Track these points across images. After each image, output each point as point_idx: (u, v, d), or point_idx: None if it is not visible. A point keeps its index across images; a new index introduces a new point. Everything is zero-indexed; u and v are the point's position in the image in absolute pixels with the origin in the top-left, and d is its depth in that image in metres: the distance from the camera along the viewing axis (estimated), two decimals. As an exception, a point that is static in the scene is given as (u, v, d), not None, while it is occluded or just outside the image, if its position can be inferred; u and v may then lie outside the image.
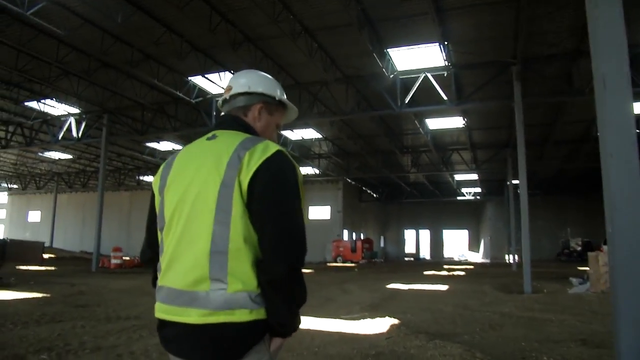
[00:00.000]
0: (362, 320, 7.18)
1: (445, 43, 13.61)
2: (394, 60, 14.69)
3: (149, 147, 26.78)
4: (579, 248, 34.35)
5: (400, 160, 28.99)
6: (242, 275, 1.46)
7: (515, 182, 26.96)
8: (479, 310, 8.58)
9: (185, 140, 23.38)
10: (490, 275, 19.53)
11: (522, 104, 14.21)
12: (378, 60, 14.05)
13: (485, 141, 24.60)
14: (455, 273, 21.27)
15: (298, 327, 1.56)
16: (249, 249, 1.48)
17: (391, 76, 15.31)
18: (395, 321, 6.98)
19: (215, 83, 16.66)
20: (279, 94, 1.85)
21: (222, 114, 1.85)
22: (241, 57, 13.86)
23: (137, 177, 36.47)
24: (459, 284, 14.69)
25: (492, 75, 14.94)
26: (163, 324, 1.56)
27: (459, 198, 41.20)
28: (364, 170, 30.59)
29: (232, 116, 1.79)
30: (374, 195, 42.44)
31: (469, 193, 40.48)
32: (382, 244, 45.89)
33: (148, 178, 35.83)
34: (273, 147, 1.56)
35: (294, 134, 23.18)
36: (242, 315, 1.44)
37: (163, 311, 1.55)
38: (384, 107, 16.93)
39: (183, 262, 1.51)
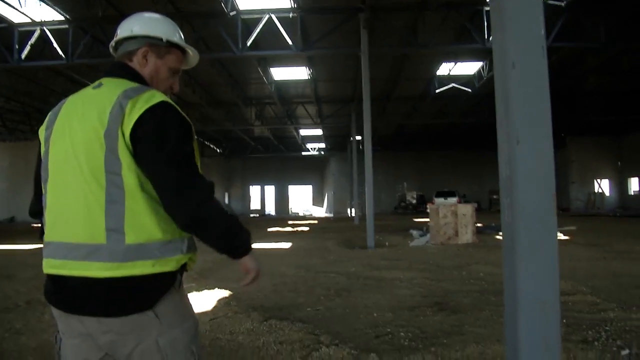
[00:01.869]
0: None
1: (292, -21, 12.35)
2: (235, -5, 13.05)
3: None
4: (414, 201, 36.65)
5: (244, 113, 27.53)
6: (140, 225, 1.43)
7: (358, 137, 27.50)
8: (324, 271, 7.74)
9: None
10: (334, 230, 19.36)
11: (369, 53, 13.72)
12: (217, -6, 12.28)
13: (331, 95, 24.17)
14: (300, 229, 20.81)
15: (245, 244, 1.57)
16: (145, 197, 1.45)
17: (232, 14, 13.68)
18: (226, 293, 5.74)
19: (15, 8, 13.50)
20: (169, 35, 1.75)
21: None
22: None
23: None
24: (303, 241, 13.96)
25: (339, 21, 14.12)
26: (54, 280, 1.51)
27: (303, 153, 41.15)
28: (205, 122, 28.45)
29: (119, 63, 1.73)
30: (217, 150, 40.50)
31: (313, 148, 40.64)
32: (226, 201, 44.51)
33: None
34: (158, 97, 1.52)
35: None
36: (144, 268, 1.42)
37: (55, 266, 1.50)
38: (224, 50, 15.24)
39: (74, 214, 1.47)
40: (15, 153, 34.67)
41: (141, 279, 1.42)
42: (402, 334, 4.04)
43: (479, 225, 14.63)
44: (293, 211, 45.39)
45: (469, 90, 21.52)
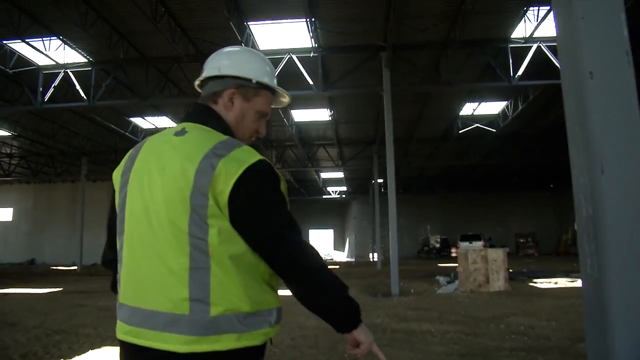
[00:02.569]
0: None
1: (313, 19, 12.21)
2: (255, 36, 12.94)
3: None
4: (438, 245, 35.62)
5: (265, 155, 27.25)
6: (226, 295, 1.29)
7: (380, 180, 27.02)
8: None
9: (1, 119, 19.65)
10: (356, 275, 18.61)
11: (391, 92, 13.41)
12: (237, 35, 12.14)
13: (352, 136, 23.86)
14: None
15: (357, 313, 1.44)
16: (233, 265, 1.31)
17: (251, 55, 13.55)
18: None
19: (40, 51, 13.63)
20: (259, 75, 1.58)
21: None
22: (68, 16, 11.09)
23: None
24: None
25: (361, 61, 13.92)
26: (128, 348, 1.38)
27: (324, 197, 40.72)
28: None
29: (202, 106, 1.58)
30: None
31: (334, 191, 40.22)
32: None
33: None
34: (252, 156, 1.37)
35: (145, 122, 20.46)
36: (228, 343, 1.28)
37: (129, 333, 1.36)
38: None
39: (154, 279, 1.33)
40: (38, 195, 34.99)
41: (226, 354, 1.28)
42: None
43: (510, 270, 13.82)
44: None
45: (493, 130, 21.01)
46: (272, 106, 1.70)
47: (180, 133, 1.46)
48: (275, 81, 1.64)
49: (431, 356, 4.94)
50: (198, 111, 1.57)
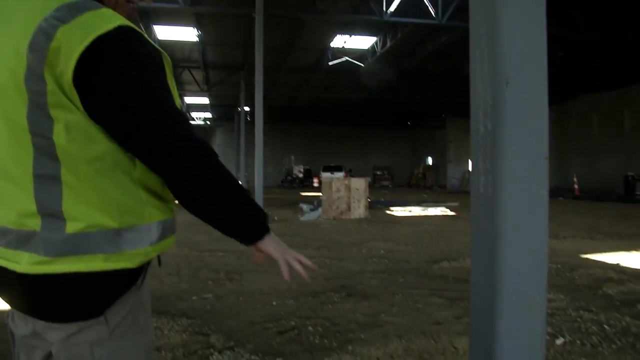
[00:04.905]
0: None
1: None
2: None
3: None
4: (301, 175, 36.51)
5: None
6: (86, 208, 1.01)
7: (246, 108, 26.45)
8: (210, 250, 6.86)
9: None
10: (220, 203, 18.34)
11: (264, 15, 12.80)
12: None
13: (219, 61, 22.73)
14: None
15: (263, 219, 1.17)
16: (95, 170, 1.01)
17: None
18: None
19: None
20: None
21: None
22: None
23: None
24: (185, 215, 12.69)
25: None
26: None
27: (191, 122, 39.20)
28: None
29: None
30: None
31: (199, 118, 38.83)
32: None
33: None
34: (111, 19, 1.00)
35: None
36: (92, 263, 1.01)
37: None
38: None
39: None
40: None
41: (88, 277, 1.02)
42: (310, 328, 3.37)
43: (369, 200, 14.52)
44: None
45: (362, 65, 21.39)
46: None
47: None
48: None
49: (297, 280, 4.91)
50: None
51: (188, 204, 1.11)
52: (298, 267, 1.19)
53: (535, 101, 1.67)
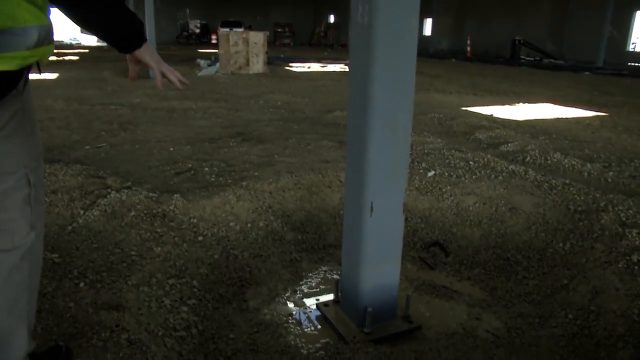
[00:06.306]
0: None
1: None
2: None
3: None
4: (198, 30, 34.47)
5: None
6: None
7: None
8: (102, 104, 6.59)
9: None
10: (110, 59, 17.05)
11: None
12: None
13: None
14: (68, 58, 17.89)
15: (140, 27, 1.24)
16: None
17: None
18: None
19: None
20: None
21: None
22: None
23: None
24: (72, 71, 11.91)
25: None
26: None
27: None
28: None
29: None
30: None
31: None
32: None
33: None
34: None
35: None
36: None
37: None
38: None
39: None
40: None
41: None
42: (206, 169, 3.52)
43: (268, 55, 14.26)
44: (57, 38, 39.23)
45: None
46: None
47: None
48: None
49: (193, 129, 4.97)
50: None
51: (68, 8, 1.15)
52: (173, 77, 1.28)
53: None
